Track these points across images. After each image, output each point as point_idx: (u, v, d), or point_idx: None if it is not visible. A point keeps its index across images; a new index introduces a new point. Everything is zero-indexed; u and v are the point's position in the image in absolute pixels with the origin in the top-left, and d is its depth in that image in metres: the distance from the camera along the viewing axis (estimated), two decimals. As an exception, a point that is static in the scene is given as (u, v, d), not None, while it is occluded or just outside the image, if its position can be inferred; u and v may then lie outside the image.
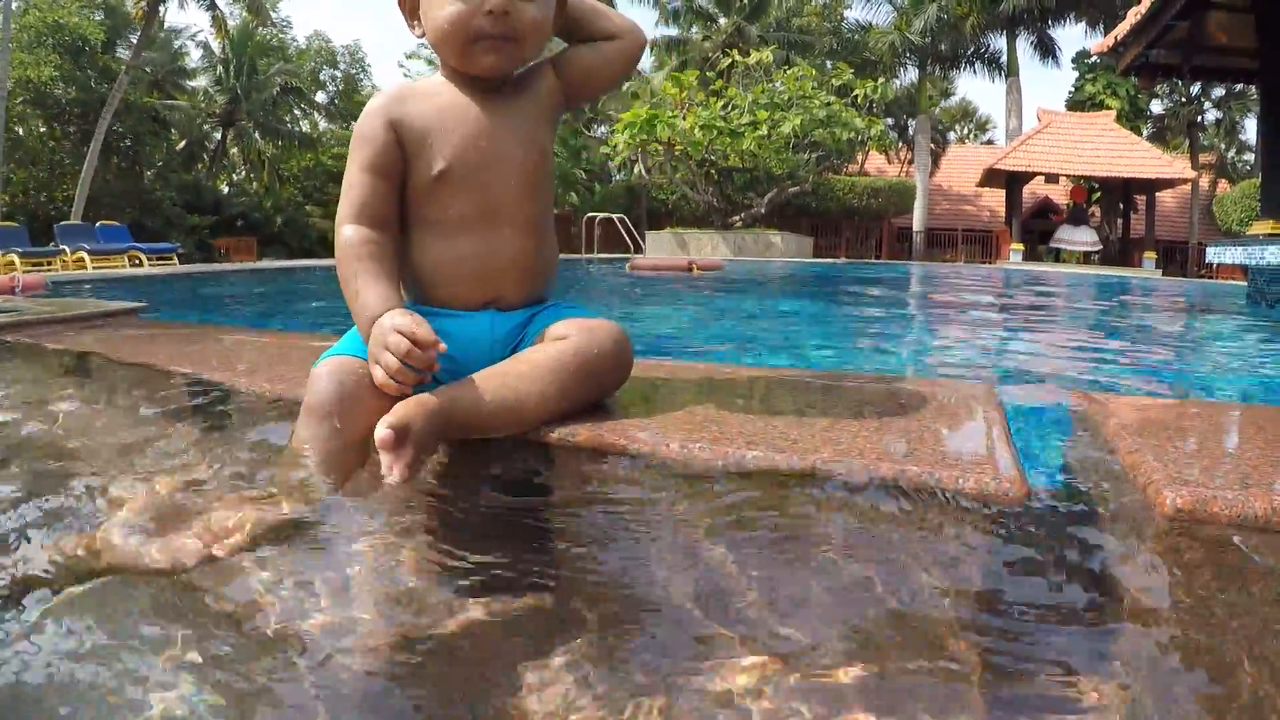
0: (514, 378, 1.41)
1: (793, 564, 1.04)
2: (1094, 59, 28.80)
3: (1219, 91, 37.28)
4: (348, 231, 1.51)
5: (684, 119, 20.90)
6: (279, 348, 2.58)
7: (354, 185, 1.54)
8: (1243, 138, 40.60)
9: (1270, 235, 7.72)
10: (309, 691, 0.75)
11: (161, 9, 24.35)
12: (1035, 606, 0.93)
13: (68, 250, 15.10)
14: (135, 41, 24.46)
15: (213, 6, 25.58)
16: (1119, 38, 10.56)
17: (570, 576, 1.02)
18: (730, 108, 21.54)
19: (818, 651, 0.82)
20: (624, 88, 33.41)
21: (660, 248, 21.41)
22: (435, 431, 1.26)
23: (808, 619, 0.89)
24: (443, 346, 1.35)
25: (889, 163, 36.13)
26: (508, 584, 0.98)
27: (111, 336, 2.93)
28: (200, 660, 0.79)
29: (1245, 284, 8.77)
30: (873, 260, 25.85)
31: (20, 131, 23.93)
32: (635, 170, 26.25)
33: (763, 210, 23.37)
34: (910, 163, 34.78)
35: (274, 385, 1.90)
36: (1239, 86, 33.90)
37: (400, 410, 1.22)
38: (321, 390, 1.36)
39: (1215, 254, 8.41)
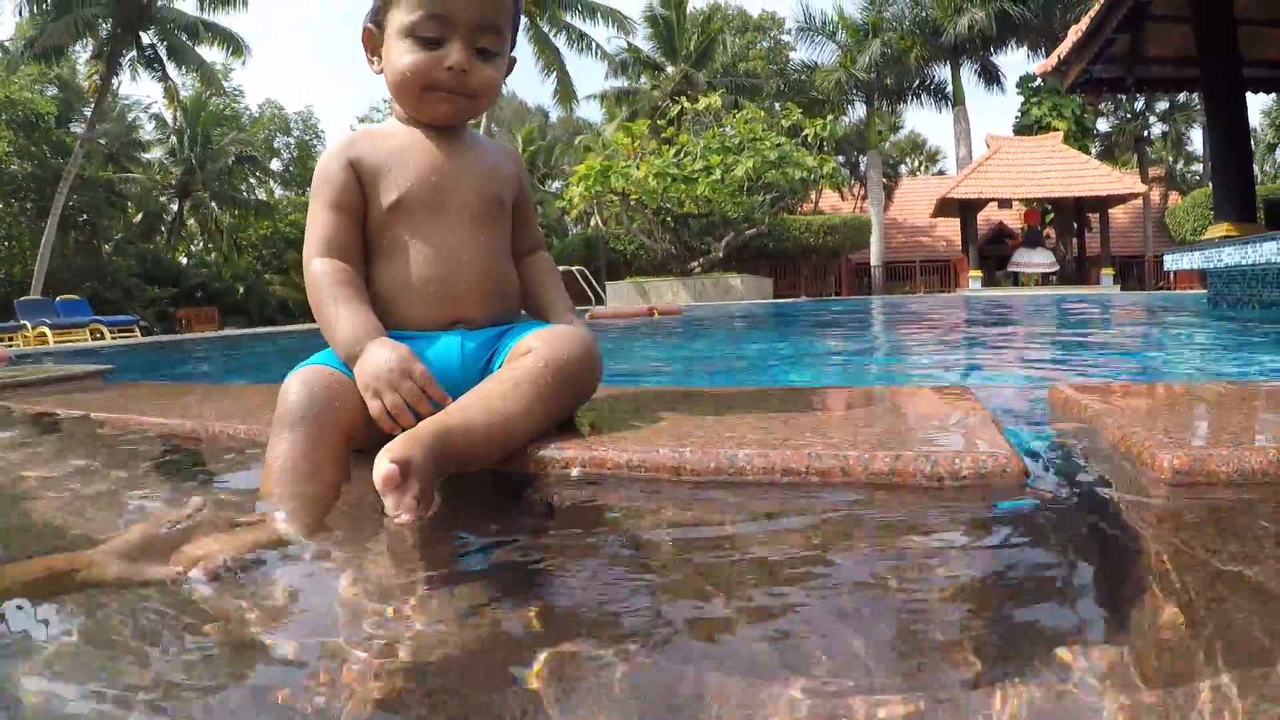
0: (497, 400, 1.38)
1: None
2: (1038, 82, 29.35)
3: (1163, 105, 38.28)
4: (317, 265, 1.57)
5: (638, 168, 21.10)
6: (250, 398, 2.57)
7: (319, 223, 1.60)
8: (1190, 149, 41.65)
9: (1226, 237, 7.84)
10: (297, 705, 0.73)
11: (115, 81, 24.39)
12: (1046, 586, 0.92)
13: (29, 325, 14.97)
14: (89, 115, 24.43)
15: (165, 77, 25.60)
16: (1062, 56, 10.79)
17: (561, 595, 1.00)
18: (683, 154, 21.78)
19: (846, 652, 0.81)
20: (576, 141, 33.81)
21: (621, 298, 21.50)
22: (435, 466, 1.23)
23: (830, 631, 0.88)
24: (448, 401, 1.40)
25: (843, 199, 36.54)
26: (506, 595, 0.96)
27: (81, 397, 2.91)
28: (172, 678, 0.76)
29: (1204, 291, 8.86)
30: (834, 297, 26.01)
31: (-24, 209, 23.84)
32: (592, 222, 26.44)
33: (721, 254, 23.56)
34: (864, 198, 35.21)
35: (250, 427, 1.89)
36: (1183, 98, 34.87)
37: (400, 445, 1.18)
38: (293, 398, 1.38)
39: (1173, 261, 8.49)
